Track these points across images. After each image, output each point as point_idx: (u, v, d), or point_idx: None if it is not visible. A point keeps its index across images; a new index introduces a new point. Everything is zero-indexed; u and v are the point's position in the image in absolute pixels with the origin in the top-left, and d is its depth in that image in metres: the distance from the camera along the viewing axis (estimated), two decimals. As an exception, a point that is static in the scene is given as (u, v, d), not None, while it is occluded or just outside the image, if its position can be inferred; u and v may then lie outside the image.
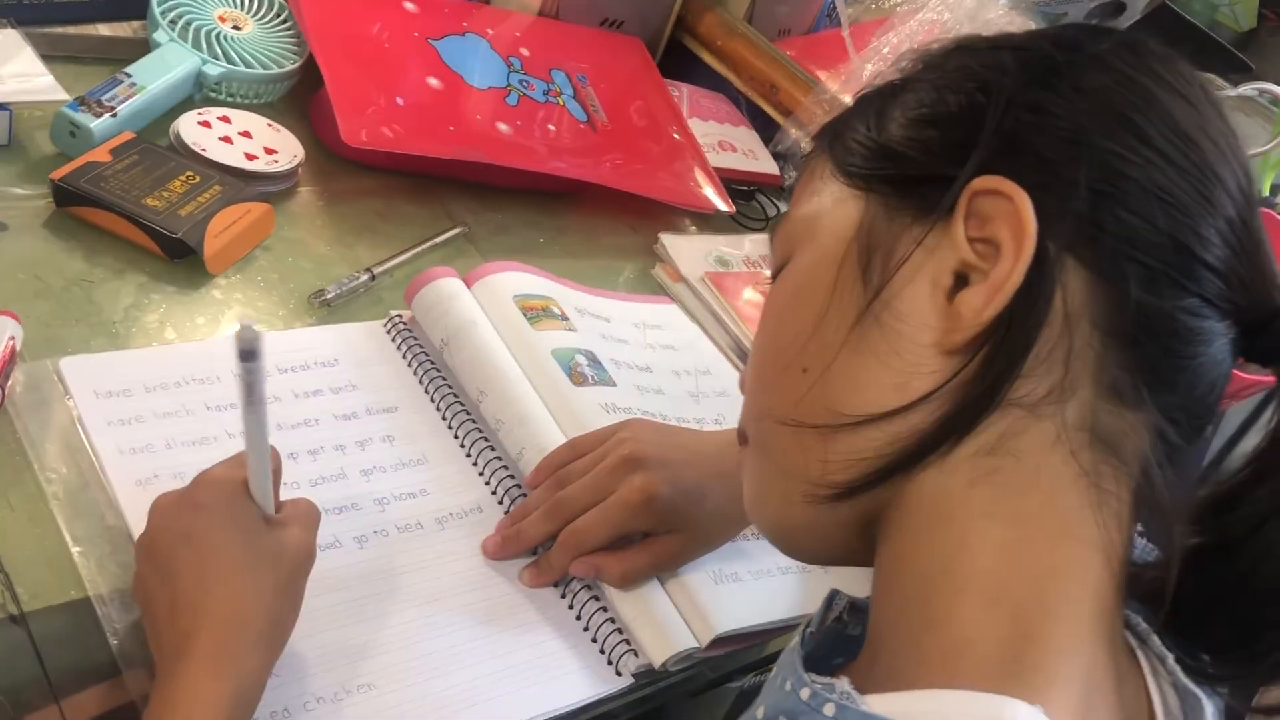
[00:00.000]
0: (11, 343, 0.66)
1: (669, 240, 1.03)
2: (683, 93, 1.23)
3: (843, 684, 0.42)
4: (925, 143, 0.46)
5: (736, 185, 1.17)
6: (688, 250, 1.03)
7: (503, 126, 1.01)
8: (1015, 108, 0.44)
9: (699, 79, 1.27)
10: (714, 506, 0.67)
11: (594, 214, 1.05)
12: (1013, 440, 0.43)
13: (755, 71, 1.24)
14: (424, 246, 0.91)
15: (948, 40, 0.50)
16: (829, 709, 0.41)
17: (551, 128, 1.05)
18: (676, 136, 1.14)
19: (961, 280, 0.44)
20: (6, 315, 0.68)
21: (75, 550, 0.60)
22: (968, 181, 0.44)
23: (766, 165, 1.20)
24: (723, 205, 1.10)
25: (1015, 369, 0.42)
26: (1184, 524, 0.47)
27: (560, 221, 1.03)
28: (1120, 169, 0.43)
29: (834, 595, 0.54)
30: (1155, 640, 0.49)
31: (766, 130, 1.24)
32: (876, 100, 0.49)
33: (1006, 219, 0.43)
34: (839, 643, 0.53)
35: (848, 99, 1.15)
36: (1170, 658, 0.48)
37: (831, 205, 0.48)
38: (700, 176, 1.11)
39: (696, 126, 1.19)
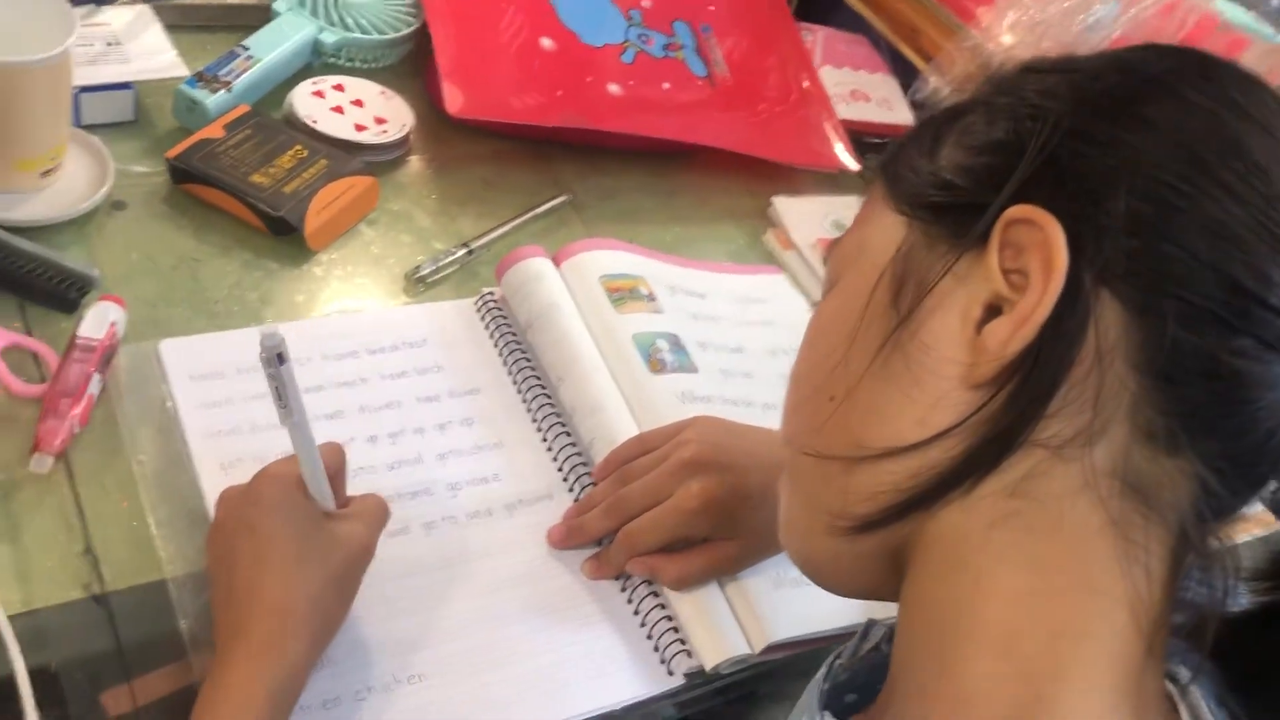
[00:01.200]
0: (113, 328, 0.70)
1: (782, 203, 0.99)
2: (817, 37, 1.18)
3: None
4: (970, 170, 0.44)
5: (868, 139, 1.12)
6: (803, 213, 0.99)
7: (614, 88, 1.00)
8: (1060, 135, 0.42)
9: (837, 21, 1.21)
10: (774, 513, 0.66)
11: (708, 175, 1.03)
12: (1036, 482, 0.41)
13: (896, 13, 1.18)
14: (524, 218, 0.91)
15: (1017, 62, 0.48)
16: None
17: (666, 86, 1.03)
18: (806, 85, 1.10)
19: (994, 313, 0.42)
20: (111, 300, 0.72)
21: (156, 533, 0.64)
22: (1002, 209, 0.42)
23: (902, 116, 1.14)
24: (850, 163, 1.06)
25: (1041, 407, 0.40)
26: (1240, 579, 0.45)
27: (672, 184, 1.01)
28: (1168, 199, 0.40)
29: (870, 625, 0.53)
30: (1201, 705, 0.46)
31: (906, 77, 1.18)
32: (933, 125, 0.47)
33: (1038, 249, 0.41)
34: (881, 672, 0.52)
35: (991, 46, 1.09)
36: None
37: (878, 231, 0.47)
38: (826, 131, 1.07)
39: (828, 75, 1.14)
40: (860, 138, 1.10)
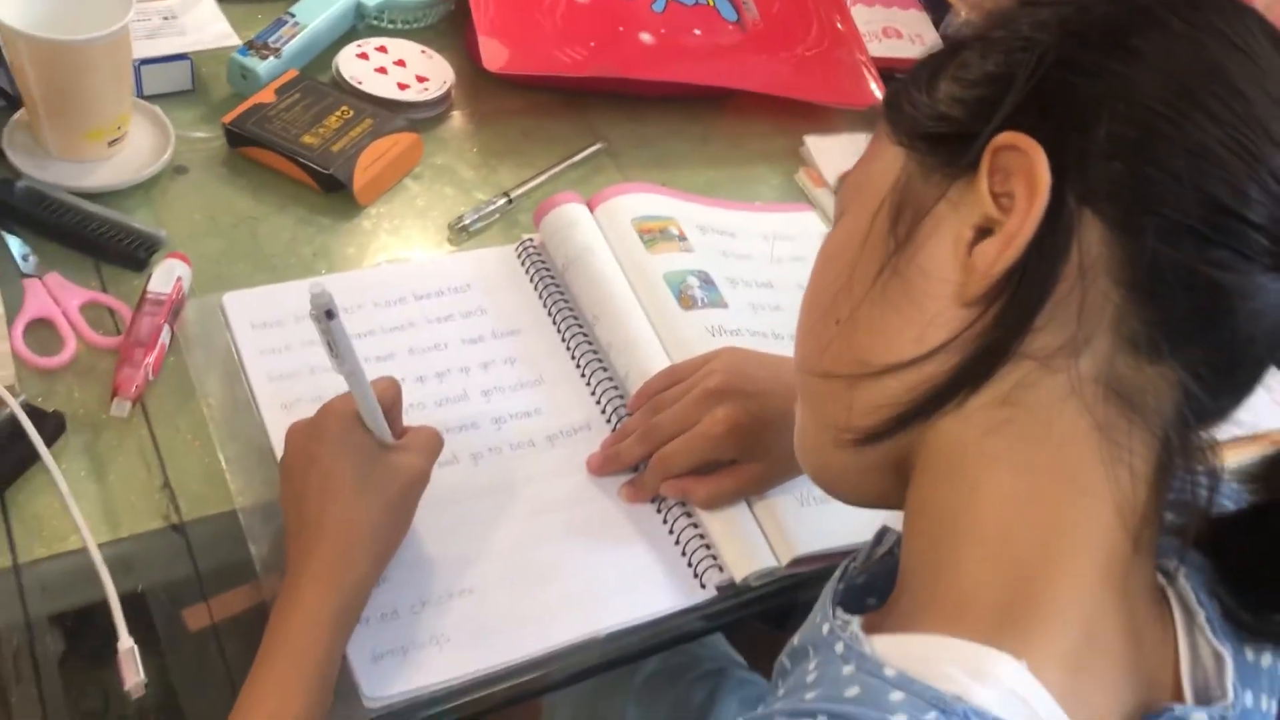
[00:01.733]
0: (179, 283, 0.76)
1: (814, 142, 1.02)
2: (849, -24, 1.19)
3: (854, 624, 0.46)
4: (963, 102, 0.47)
5: (900, 75, 1.13)
6: (834, 152, 1.02)
7: (646, 37, 1.03)
8: (1048, 65, 0.44)
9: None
10: (797, 435, 0.70)
11: (741, 118, 1.06)
12: (1026, 392, 0.44)
13: (927, -52, 1.19)
14: (561, 167, 0.95)
15: None
16: (839, 646, 0.45)
17: (697, 32, 1.05)
18: (840, 26, 1.12)
19: (985, 234, 0.45)
20: (177, 258, 0.78)
21: (226, 468, 0.70)
22: (991, 137, 0.44)
23: (934, 51, 1.15)
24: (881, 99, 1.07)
25: (1028, 321, 0.43)
26: (1221, 479, 0.47)
27: (705, 128, 1.04)
28: (1151, 124, 0.42)
29: (884, 531, 0.57)
30: (1190, 595, 0.49)
31: (937, 12, 1.19)
32: (932, 61, 0.50)
33: (1023, 173, 0.43)
34: (895, 577, 0.56)
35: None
36: (1201, 614, 0.48)
37: (880, 163, 0.50)
38: (858, 69, 1.09)
39: (860, 13, 1.15)
40: (892, 74, 1.11)
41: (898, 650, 0.43)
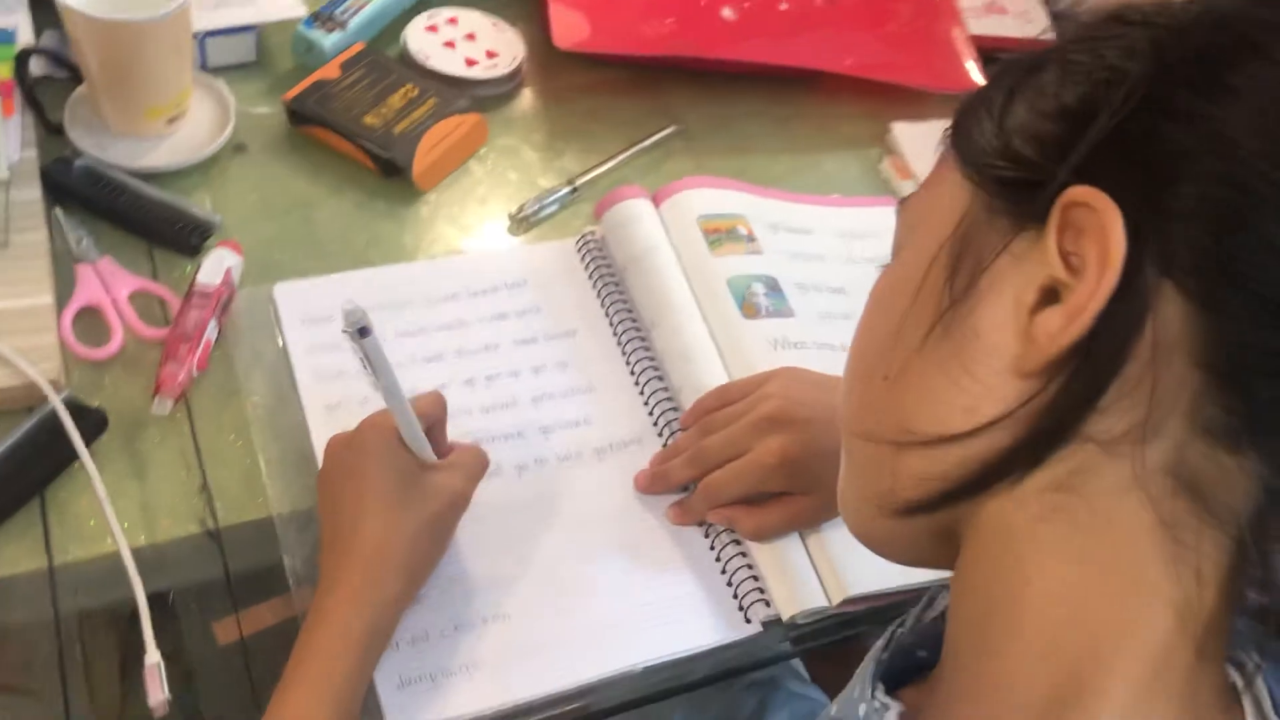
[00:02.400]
0: (229, 274, 0.75)
1: (902, 129, 0.96)
2: (954, -56, 1.12)
3: (891, 712, 0.43)
4: (1037, 138, 0.41)
5: (1005, 55, 1.06)
6: (923, 140, 0.96)
7: (727, 13, 0.97)
8: (1135, 103, 0.38)
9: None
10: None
11: (828, 100, 1.00)
12: (1085, 478, 0.39)
13: (1041, -85, 1.10)
14: (630, 153, 0.91)
15: (1108, 8, 0.44)
16: None
17: (784, 6, 1.00)
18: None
19: (1051, 296, 0.40)
20: (228, 247, 0.76)
21: (265, 471, 0.69)
22: (1063, 188, 0.39)
23: (1042, 31, 1.08)
24: (980, 82, 1.01)
25: (1091, 402, 0.39)
26: None
27: (788, 110, 0.99)
28: (1246, 183, 0.37)
29: (936, 593, 0.53)
30: (1267, 700, 0.44)
31: (1049, -15, 1.11)
32: (1008, 77, 0.44)
33: (1095, 236, 0.38)
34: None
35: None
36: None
37: (944, 195, 0.45)
38: (955, 49, 1.02)
39: (963, -14, 1.08)
40: (994, 55, 1.04)
41: None
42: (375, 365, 0.57)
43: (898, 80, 0.99)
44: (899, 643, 0.51)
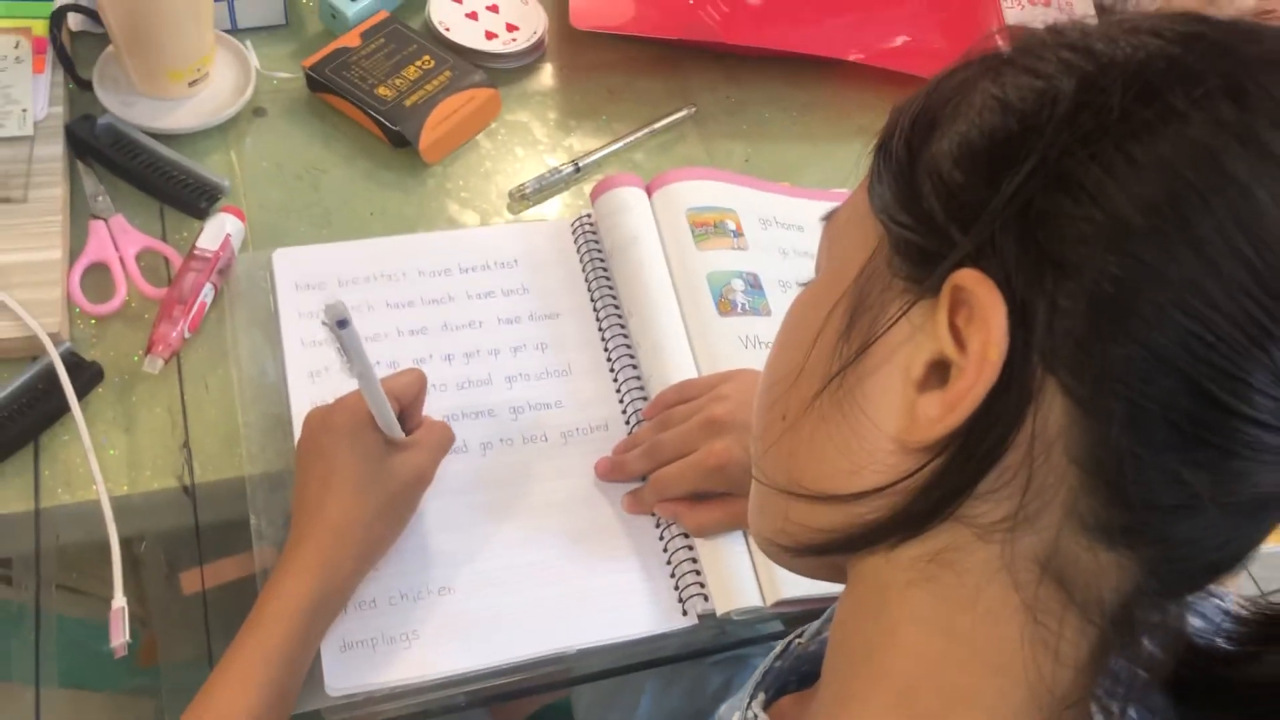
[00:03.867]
0: (228, 239, 0.78)
1: (921, 124, 0.95)
2: (1004, -72, 1.09)
3: None
4: (949, 187, 0.39)
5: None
6: (942, 136, 0.94)
7: (752, -5, 0.97)
8: (1041, 174, 0.36)
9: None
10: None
11: (849, 85, 0.99)
12: (957, 555, 0.40)
13: (1098, -99, 1.06)
14: (639, 134, 0.92)
15: (1053, 22, 0.41)
16: None
17: (812, -9, 0.99)
18: (979, -14, 1.02)
19: (941, 370, 0.39)
20: (230, 212, 0.80)
21: (244, 433, 0.73)
22: (960, 263, 0.38)
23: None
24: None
25: (967, 489, 0.38)
26: (1184, 639, 0.43)
27: (808, 95, 0.98)
28: (1137, 282, 0.34)
29: (833, 610, 0.54)
30: None
31: (1098, -25, 1.07)
32: (938, 97, 0.41)
33: (980, 324, 0.37)
34: None
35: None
36: None
37: (858, 224, 0.43)
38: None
39: (1007, -27, 1.05)
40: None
41: None
42: (352, 356, 0.60)
43: (920, 72, 0.97)
44: (794, 654, 0.53)
